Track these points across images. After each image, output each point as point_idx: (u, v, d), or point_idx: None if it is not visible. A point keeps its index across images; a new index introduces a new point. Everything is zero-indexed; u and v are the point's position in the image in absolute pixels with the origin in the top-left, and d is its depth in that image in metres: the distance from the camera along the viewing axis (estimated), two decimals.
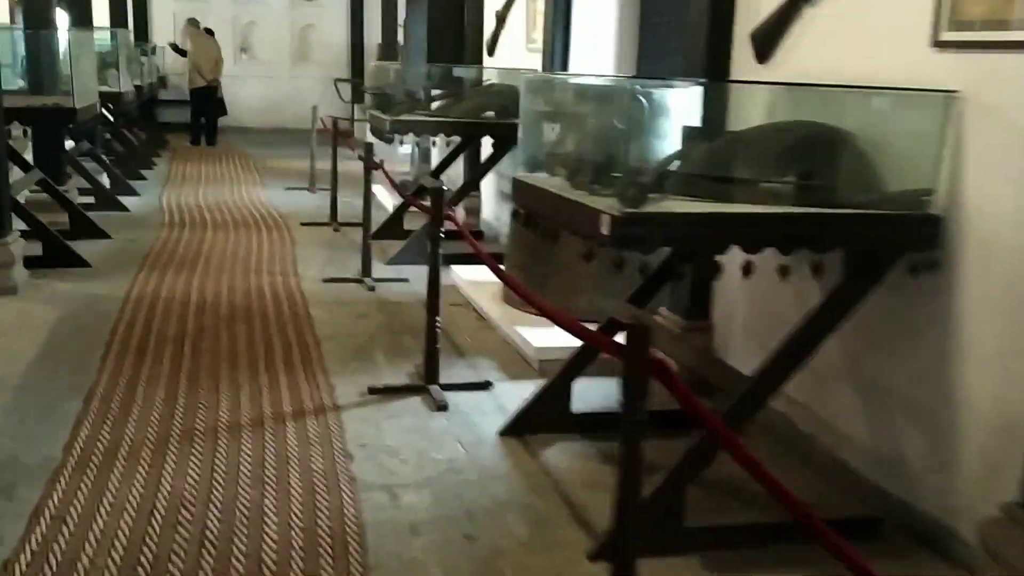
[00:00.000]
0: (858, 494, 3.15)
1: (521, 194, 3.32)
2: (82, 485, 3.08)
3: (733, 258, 2.79)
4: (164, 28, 16.10)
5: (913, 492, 2.99)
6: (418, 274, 6.10)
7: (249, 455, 3.33)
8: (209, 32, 14.21)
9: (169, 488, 3.08)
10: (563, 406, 3.63)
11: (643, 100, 2.78)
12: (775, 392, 2.82)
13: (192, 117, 14.13)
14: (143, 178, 10.23)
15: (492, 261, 3.72)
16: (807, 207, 2.81)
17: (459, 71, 7.55)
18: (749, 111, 3.42)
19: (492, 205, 7.73)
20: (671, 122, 2.88)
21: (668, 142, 2.99)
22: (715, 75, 3.99)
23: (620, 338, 3.34)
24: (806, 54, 3.52)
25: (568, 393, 3.62)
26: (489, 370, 4.37)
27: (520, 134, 3.40)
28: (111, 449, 3.35)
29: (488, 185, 7.54)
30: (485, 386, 4.11)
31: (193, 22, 14.23)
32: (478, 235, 7.50)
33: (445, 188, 3.88)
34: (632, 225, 2.55)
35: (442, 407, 3.82)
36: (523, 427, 3.61)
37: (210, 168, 11.62)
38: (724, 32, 3.98)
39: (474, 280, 5.62)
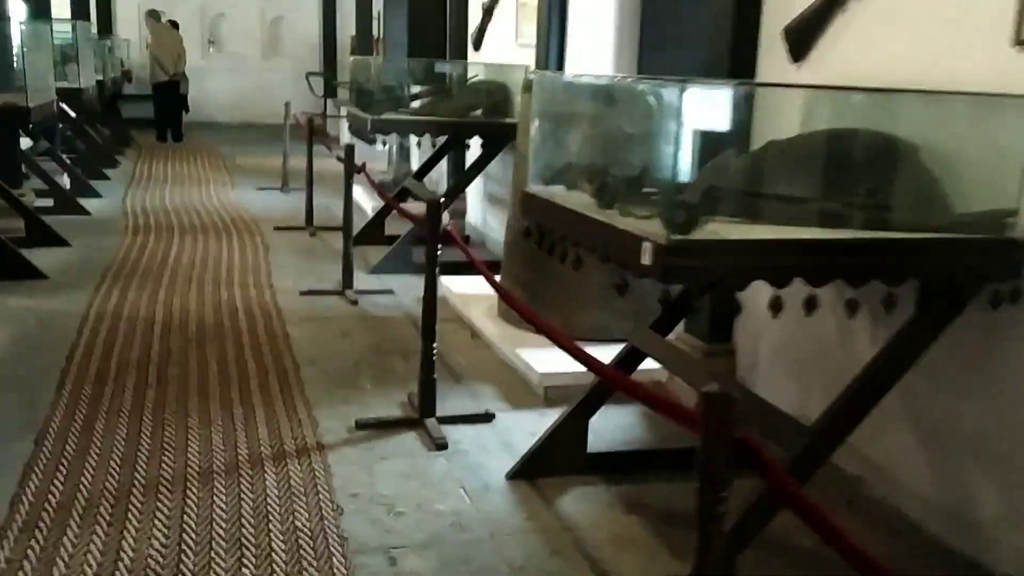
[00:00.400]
0: (918, 550, 2.79)
1: (534, 211, 2.92)
2: (31, 548, 2.65)
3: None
4: (129, 20, 15.52)
5: (986, 550, 2.63)
6: (404, 284, 5.72)
7: (223, 510, 2.91)
8: (173, 24, 13.65)
9: (132, 552, 2.65)
10: (579, 446, 3.23)
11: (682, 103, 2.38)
12: (840, 444, 2.45)
13: (156, 113, 13.59)
14: (106, 178, 9.71)
15: (502, 288, 3.32)
16: (869, 231, 2.44)
17: (443, 67, 7.14)
18: (789, 117, 3.04)
19: (478, 209, 7.32)
20: (716, 129, 2.49)
21: (706, 153, 2.60)
22: (740, 75, 3.62)
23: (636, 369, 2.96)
24: (850, 53, 3.15)
25: (584, 431, 3.23)
26: (489, 398, 3.97)
27: (533, 141, 3.00)
28: (65, 503, 2.91)
29: (474, 187, 7.13)
30: (486, 418, 3.70)
31: (153, 14, 13.64)
32: (464, 239, 7.09)
33: (442, 199, 3.47)
34: (680, 255, 2.16)
35: (441, 445, 3.41)
36: (534, 470, 3.21)
37: (177, 167, 11.11)
38: (751, 27, 3.60)
39: (465, 292, 5.20)
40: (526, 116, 4.49)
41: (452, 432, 3.52)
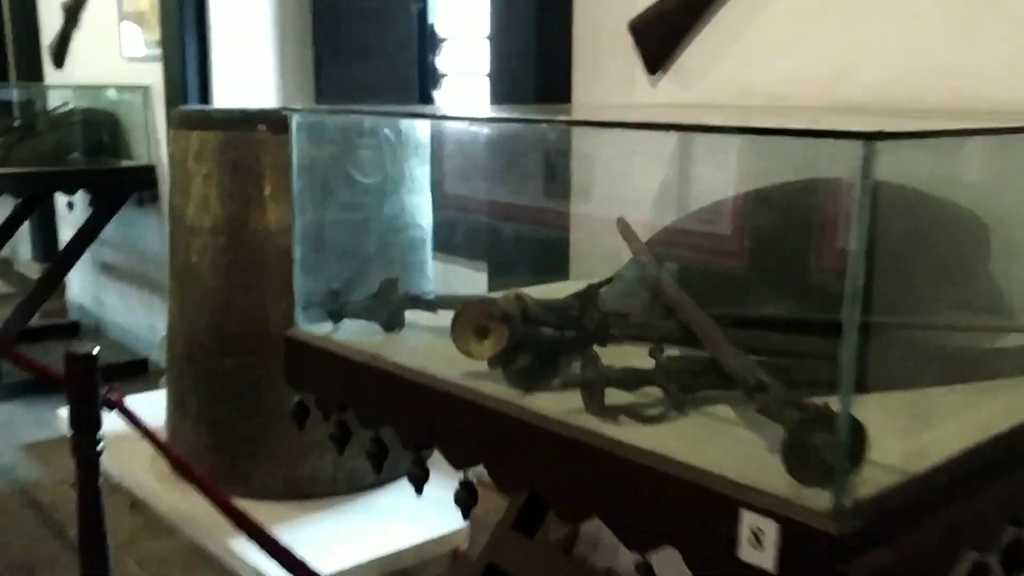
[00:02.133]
0: None
1: (322, 378, 1.48)
2: None
3: None
4: None
5: None
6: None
7: None
8: None
9: None
10: None
11: None
12: None
13: None
14: None
15: (172, 452, 1.81)
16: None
17: (9, 92, 5.13)
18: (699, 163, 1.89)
19: (86, 282, 5.40)
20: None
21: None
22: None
23: None
24: (747, 56, 2.06)
25: None
26: None
27: (296, 240, 1.53)
28: None
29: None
30: None
31: None
32: (72, 328, 5.21)
33: (93, 351, 1.86)
34: (862, 547, 0.89)
35: None
36: None
37: None
38: (557, 21, 2.41)
39: (113, 432, 3.42)
40: (184, 163, 2.95)
41: None
